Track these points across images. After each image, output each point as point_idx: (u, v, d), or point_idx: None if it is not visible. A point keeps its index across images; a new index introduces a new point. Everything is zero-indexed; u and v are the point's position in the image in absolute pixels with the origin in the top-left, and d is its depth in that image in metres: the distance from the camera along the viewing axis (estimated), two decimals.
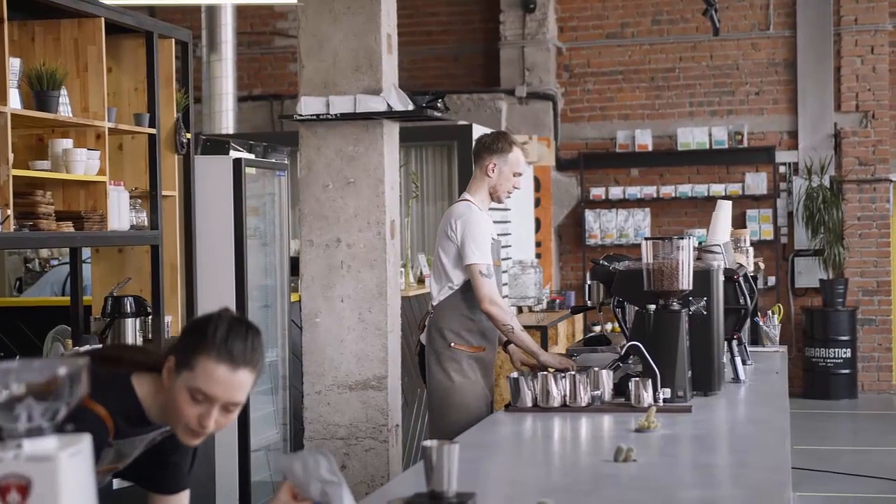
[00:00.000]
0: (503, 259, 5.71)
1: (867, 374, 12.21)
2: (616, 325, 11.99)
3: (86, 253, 6.06)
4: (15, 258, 9.05)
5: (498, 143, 5.23)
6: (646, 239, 4.42)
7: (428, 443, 2.66)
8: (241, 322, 2.59)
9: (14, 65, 4.77)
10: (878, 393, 12.20)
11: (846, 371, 11.92)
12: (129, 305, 5.45)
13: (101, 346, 5.00)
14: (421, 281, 7.65)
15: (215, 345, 2.50)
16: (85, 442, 1.81)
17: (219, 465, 5.92)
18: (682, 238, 4.38)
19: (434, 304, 5.21)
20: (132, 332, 5.48)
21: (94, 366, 2.09)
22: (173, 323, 5.85)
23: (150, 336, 5.62)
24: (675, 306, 4.33)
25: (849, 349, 11.91)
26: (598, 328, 11.88)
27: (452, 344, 5.11)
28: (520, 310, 9.90)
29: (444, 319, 5.13)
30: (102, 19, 5.22)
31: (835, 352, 11.89)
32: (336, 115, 5.73)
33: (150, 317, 5.59)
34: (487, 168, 5.21)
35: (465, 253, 5.04)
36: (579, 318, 11.14)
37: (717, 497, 2.92)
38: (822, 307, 12.04)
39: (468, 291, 5.08)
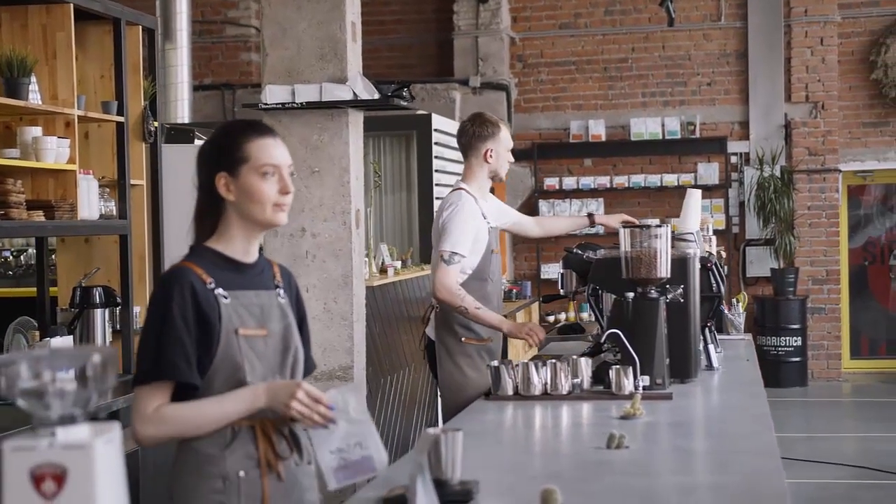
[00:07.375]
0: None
1: (817, 361, 12.37)
2: (574, 314, 12.08)
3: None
4: None
5: (487, 128, 5.25)
6: (624, 226, 4.43)
7: (432, 430, 2.66)
8: (239, 120, 3.04)
9: None
10: (828, 380, 12.37)
11: (797, 359, 12.08)
12: (97, 296, 5.37)
13: None
14: (383, 271, 7.62)
15: (248, 131, 2.84)
16: (115, 430, 1.80)
17: None
18: (661, 226, 4.39)
19: None
20: (101, 322, 5.40)
21: None
22: (142, 314, 5.79)
23: (118, 327, 5.55)
24: (654, 294, 4.35)
25: (799, 337, 12.06)
26: (563, 316, 11.95)
27: (463, 339, 5.07)
28: None
29: (452, 314, 5.06)
30: (71, 5, 5.14)
31: (786, 340, 12.03)
32: (301, 103, 5.69)
33: (118, 307, 5.52)
34: (485, 155, 5.22)
35: (441, 237, 5.01)
36: (535, 307, 11.20)
37: (716, 482, 2.95)
38: (773, 296, 12.19)
39: (473, 282, 5.04)
